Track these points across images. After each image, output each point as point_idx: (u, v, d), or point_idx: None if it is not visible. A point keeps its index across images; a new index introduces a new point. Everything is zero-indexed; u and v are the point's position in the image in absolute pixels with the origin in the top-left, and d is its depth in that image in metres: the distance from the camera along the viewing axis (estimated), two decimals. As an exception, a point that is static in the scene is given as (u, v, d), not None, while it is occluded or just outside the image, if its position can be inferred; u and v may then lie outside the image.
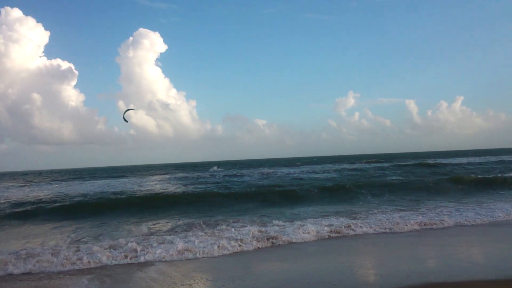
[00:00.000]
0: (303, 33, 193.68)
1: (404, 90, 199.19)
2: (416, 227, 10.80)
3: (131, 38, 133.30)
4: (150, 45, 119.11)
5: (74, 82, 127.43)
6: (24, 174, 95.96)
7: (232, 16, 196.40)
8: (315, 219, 12.03)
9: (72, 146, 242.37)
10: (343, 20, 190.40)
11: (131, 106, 20.09)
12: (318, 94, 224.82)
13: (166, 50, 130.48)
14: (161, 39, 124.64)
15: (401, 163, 48.26)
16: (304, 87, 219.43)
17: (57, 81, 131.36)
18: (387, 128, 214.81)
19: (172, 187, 25.21)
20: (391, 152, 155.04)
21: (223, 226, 11.18)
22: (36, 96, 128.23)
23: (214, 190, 21.72)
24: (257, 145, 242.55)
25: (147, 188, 25.23)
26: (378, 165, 48.97)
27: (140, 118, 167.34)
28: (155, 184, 29.60)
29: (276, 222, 11.61)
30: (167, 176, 43.49)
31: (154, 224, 12.56)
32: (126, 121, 19.95)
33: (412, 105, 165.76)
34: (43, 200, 19.65)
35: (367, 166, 47.56)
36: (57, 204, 17.71)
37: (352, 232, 10.26)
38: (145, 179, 37.93)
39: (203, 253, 8.29)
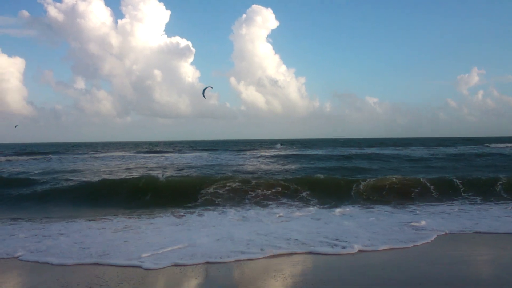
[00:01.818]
0: (421, 4, 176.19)
1: None
2: None
3: (244, 15, 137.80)
4: (263, 21, 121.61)
5: (191, 59, 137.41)
6: (151, 144, 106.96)
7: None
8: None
9: (188, 119, 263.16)
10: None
11: (206, 86, 22.47)
12: (436, 71, 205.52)
13: (278, 26, 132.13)
14: (273, 16, 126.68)
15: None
16: (421, 64, 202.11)
17: (176, 58, 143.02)
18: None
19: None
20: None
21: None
22: (157, 72, 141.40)
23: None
24: (366, 124, 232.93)
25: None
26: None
27: (250, 94, 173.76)
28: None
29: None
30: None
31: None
32: (205, 97, 22.10)
33: None
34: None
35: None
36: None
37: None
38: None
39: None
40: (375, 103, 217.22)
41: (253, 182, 13.58)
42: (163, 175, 16.11)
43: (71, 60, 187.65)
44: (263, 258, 6.19)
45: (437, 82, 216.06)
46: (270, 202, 11.93)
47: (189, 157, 34.76)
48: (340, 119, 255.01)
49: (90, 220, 9.39)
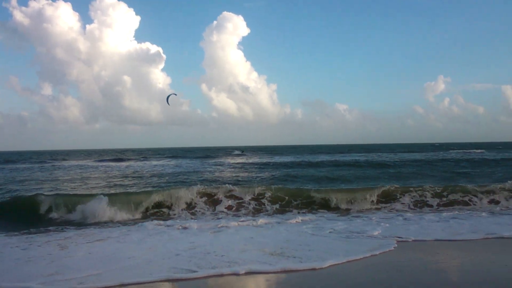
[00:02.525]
0: (389, 14, 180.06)
1: (500, 75, 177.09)
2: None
3: (215, 22, 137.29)
4: (233, 28, 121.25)
5: (161, 66, 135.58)
6: (120, 151, 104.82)
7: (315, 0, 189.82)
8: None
9: (159, 126, 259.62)
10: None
11: (173, 91, 22.93)
12: (404, 79, 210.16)
13: (249, 33, 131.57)
14: (244, 23, 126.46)
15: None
16: (389, 71, 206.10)
17: (146, 64, 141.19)
18: (480, 116, 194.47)
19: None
20: (483, 141, 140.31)
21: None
22: (126, 78, 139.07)
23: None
24: (336, 131, 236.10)
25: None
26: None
27: (221, 100, 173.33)
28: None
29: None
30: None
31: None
32: (169, 104, 22.88)
33: (509, 91, 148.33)
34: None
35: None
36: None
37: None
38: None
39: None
40: (345, 110, 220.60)
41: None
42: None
43: (37, 66, 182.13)
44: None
45: (404, 90, 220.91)
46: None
47: (152, 165, 33.84)
48: (311, 126, 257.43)
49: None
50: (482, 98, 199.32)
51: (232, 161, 39.77)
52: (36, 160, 49.72)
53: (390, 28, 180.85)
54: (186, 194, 12.61)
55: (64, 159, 51.23)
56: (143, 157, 53.51)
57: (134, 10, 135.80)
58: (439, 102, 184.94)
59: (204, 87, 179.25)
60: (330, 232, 8.74)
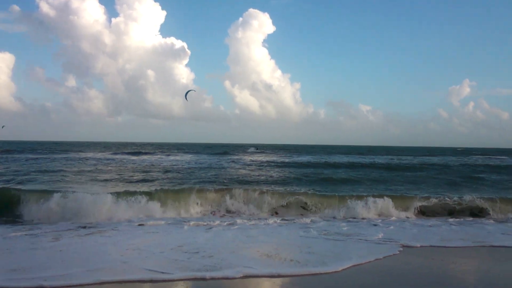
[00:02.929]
0: (417, 15, 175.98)
1: None
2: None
3: (240, 19, 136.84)
4: (259, 26, 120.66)
5: (186, 61, 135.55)
6: (141, 145, 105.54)
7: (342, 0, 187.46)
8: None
9: (181, 121, 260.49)
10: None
11: (193, 89, 23.60)
12: (429, 82, 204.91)
13: (274, 31, 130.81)
14: (270, 20, 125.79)
15: None
16: (414, 74, 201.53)
17: (170, 59, 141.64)
18: (504, 122, 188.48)
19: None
20: (506, 147, 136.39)
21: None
22: (150, 72, 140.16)
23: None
24: (359, 131, 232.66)
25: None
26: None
27: (244, 98, 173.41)
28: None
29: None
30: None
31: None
32: (187, 99, 23.91)
33: None
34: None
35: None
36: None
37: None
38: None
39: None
40: (368, 111, 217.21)
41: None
42: None
43: (62, 58, 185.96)
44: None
45: (429, 93, 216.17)
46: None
47: (168, 160, 33.99)
48: (334, 126, 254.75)
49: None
50: (507, 103, 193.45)
51: (247, 158, 39.66)
52: (47, 151, 50.23)
53: (415, 31, 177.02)
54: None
55: (80, 151, 51.81)
56: (160, 151, 53.89)
57: (160, 5, 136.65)
58: (464, 107, 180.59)
59: (227, 83, 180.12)
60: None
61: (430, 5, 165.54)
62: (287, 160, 35.67)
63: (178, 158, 38.65)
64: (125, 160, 33.21)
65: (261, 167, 26.63)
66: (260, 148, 72.36)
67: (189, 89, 23.04)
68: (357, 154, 55.49)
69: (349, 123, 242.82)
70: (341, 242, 7.87)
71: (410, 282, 5.66)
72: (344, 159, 39.24)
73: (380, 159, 38.72)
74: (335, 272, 5.85)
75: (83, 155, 41.38)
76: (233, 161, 33.28)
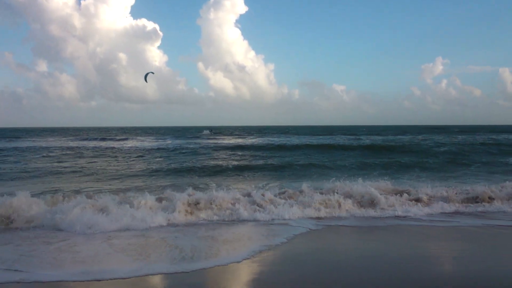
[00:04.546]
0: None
1: (498, 57, 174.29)
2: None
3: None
4: (231, 6, 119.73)
5: (158, 43, 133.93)
6: (116, 129, 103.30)
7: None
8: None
9: (156, 105, 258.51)
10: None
11: (152, 71, 23.80)
12: (402, 60, 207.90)
13: (247, 11, 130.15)
14: (242, 0, 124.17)
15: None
16: (388, 52, 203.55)
17: (142, 42, 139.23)
18: (477, 99, 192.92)
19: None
20: (480, 124, 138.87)
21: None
22: (122, 55, 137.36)
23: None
24: (334, 111, 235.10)
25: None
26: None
27: (218, 80, 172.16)
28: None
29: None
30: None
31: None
32: (147, 81, 23.29)
33: (506, 73, 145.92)
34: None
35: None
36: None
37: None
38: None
39: None
40: (342, 91, 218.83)
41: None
42: None
43: (32, 42, 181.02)
44: None
45: (402, 71, 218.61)
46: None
47: (129, 146, 34.23)
48: (308, 106, 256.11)
49: None
50: (479, 80, 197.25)
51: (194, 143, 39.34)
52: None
53: (388, 8, 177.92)
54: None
55: (36, 139, 49.22)
56: (125, 137, 53.62)
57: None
58: (437, 84, 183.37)
59: (200, 65, 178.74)
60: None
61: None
62: (243, 143, 35.68)
63: (136, 143, 38.66)
64: (80, 147, 32.87)
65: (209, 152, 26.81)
66: (215, 131, 71.89)
67: (148, 72, 23.22)
68: (322, 135, 55.61)
69: (323, 103, 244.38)
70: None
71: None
72: (302, 140, 39.54)
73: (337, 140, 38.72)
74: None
75: (37, 143, 40.20)
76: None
